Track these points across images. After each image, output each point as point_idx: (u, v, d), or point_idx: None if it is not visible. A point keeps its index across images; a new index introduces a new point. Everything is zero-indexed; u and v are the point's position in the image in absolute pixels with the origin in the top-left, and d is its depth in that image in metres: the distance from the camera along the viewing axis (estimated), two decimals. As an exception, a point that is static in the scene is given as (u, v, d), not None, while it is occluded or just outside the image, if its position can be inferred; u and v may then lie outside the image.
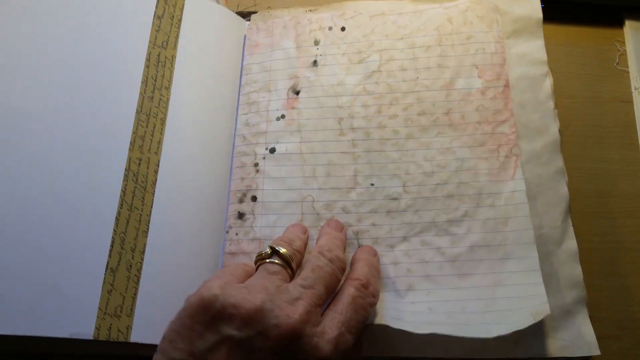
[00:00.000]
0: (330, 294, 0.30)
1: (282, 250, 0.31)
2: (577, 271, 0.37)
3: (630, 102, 0.46)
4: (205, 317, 0.26)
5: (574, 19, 0.49)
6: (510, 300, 0.35)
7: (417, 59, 0.42)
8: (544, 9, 0.44)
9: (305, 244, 0.35)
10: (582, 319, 0.36)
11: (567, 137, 0.43)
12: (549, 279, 0.36)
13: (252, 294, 0.27)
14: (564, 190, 0.39)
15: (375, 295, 0.31)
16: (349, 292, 0.30)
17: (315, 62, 0.43)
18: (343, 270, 0.32)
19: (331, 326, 0.27)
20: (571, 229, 0.38)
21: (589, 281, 0.37)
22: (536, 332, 0.35)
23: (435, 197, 0.38)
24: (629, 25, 0.48)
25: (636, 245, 0.40)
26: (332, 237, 0.34)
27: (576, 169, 0.42)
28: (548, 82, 0.42)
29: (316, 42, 0.44)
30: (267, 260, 0.31)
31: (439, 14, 0.43)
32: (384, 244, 0.37)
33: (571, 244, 0.38)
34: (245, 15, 0.47)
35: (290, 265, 0.31)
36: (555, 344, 0.35)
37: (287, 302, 0.27)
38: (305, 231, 0.36)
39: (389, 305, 0.35)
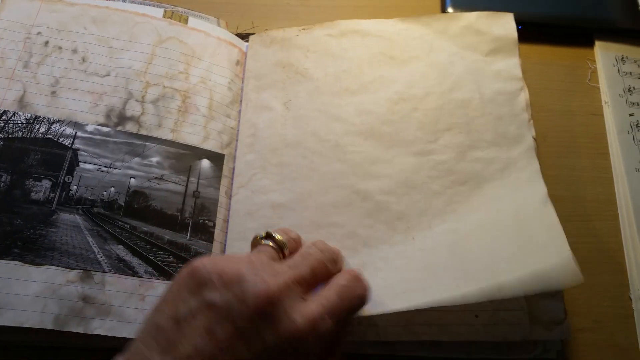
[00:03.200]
0: (317, 280, 0.31)
1: (277, 236, 0.32)
2: None
3: (600, 115, 0.49)
4: (192, 284, 0.27)
5: (549, 39, 0.53)
6: None
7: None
8: (521, 31, 0.47)
9: (301, 240, 0.36)
10: None
11: (544, 147, 0.46)
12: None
13: (237, 263, 0.28)
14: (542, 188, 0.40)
15: (367, 289, 0.32)
16: (337, 281, 0.31)
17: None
18: (334, 262, 0.33)
19: (312, 307, 0.27)
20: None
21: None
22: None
23: None
24: (599, 46, 0.52)
25: (608, 246, 0.44)
26: (324, 244, 0.34)
27: (553, 176, 0.45)
28: (523, 97, 0.45)
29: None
30: (262, 242, 0.32)
31: None
32: None
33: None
34: (244, 37, 0.51)
35: (283, 250, 0.32)
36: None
37: (269, 274, 0.28)
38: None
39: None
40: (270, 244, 0.32)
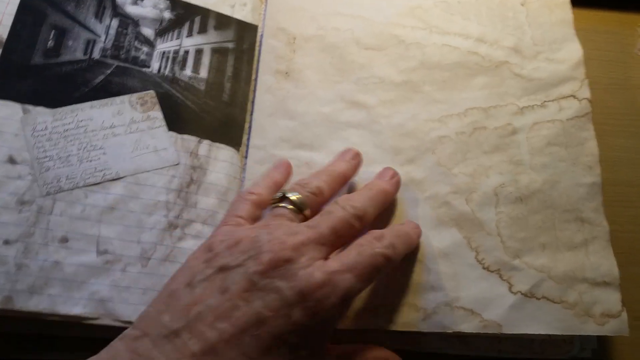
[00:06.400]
0: (339, 240, 0.29)
1: (293, 196, 0.31)
2: None
3: (649, 89, 0.45)
4: (208, 256, 0.28)
5: (594, 3, 0.47)
6: None
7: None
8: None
9: (330, 185, 0.33)
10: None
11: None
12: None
13: (253, 230, 0.28)
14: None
15: (390, 248, 0.29)
16: (357, 240, 0.29)
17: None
18: (360, 219, 0.30)
19: (331, 264, 0.27)
20: None
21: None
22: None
23: None
24: (651, 11, 0.47)
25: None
26: (366, 194, 0.32)
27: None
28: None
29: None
30: (279, 205, 0.31)
31: None
32: None
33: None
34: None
35: (303, 211, 0.31)
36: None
37: (285, 234, 0.27)
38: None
39: None
40: (289, 206, 0.30)
